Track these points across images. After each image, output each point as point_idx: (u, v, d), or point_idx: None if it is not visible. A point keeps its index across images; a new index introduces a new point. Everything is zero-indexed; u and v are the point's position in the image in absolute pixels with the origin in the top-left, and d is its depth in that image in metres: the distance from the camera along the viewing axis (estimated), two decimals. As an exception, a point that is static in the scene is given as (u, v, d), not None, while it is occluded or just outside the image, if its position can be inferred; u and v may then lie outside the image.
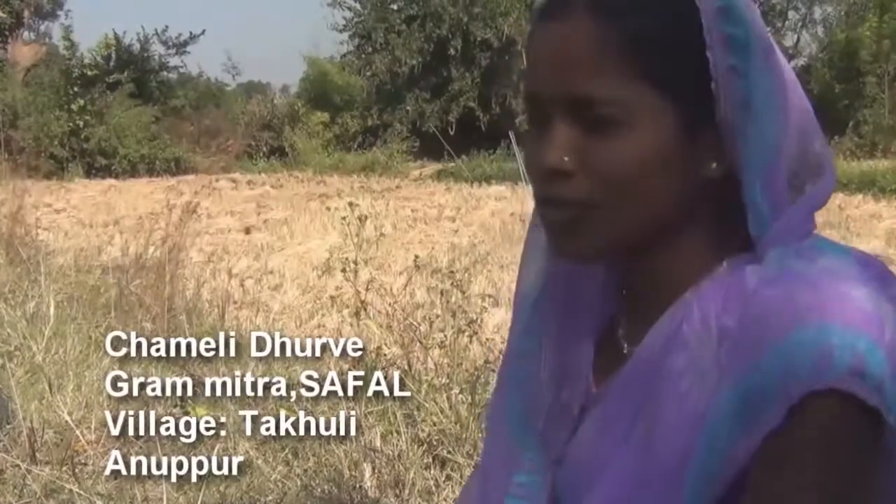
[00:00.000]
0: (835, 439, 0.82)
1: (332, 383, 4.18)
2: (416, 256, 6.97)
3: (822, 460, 0.82)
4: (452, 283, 4.50)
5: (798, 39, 32.01)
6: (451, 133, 27.15)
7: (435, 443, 3.65)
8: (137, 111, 28.92)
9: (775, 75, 0.91)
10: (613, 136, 0.88)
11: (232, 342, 6.11)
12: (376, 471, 3.46)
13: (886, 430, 0.82)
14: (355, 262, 4.45)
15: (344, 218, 4.65)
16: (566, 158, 0.89)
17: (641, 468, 0.88)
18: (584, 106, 0.89)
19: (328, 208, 14.25)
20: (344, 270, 4.49)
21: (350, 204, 4.71)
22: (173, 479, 3.70)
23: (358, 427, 3.71)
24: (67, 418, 4.03)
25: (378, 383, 4.20)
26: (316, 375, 4.71)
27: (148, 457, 3.87)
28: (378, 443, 3.56)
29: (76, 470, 3.78)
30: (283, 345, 6.20)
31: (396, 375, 4.25)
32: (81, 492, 3.54)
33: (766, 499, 0.83)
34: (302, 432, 3.96)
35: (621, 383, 0.93)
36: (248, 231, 12.88)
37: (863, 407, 0.81)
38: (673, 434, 0.86)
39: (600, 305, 1.01)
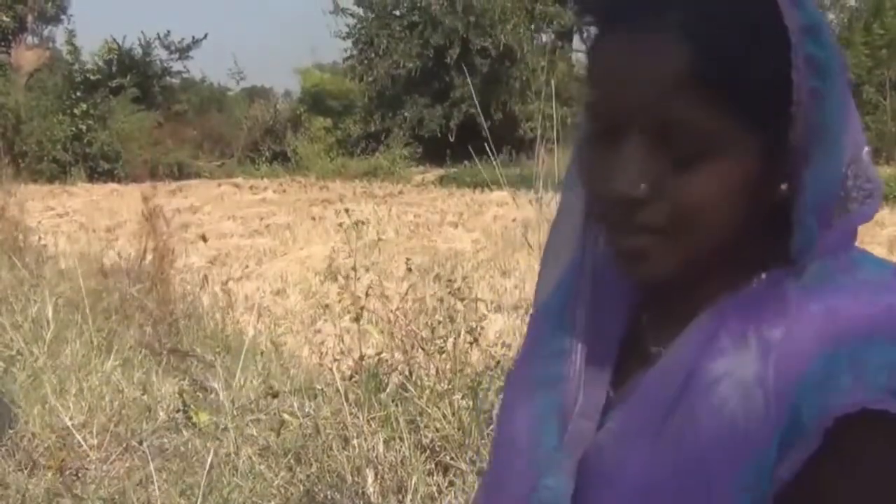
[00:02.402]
0: (870, 464, 0.80)
1: (335, 389, 4.18)
2: (408, 259, 6.97)
3: (855, 489, 0.80)
4: (450, 292, 4.49)
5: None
6: (452, 139, 27.18)
7: (437, 449, 3.64)
8: (140, 116, 28.96)
9: (849, 100, 0.89)
10: (698, 167, 0.85)
11: (233, 347, 6.12)
12: (379, 477, 3.45)
13: None
14: (354, 269, 4.45)
15: (340, 224, 4.64)
16: (643, 187, 0.86)
17: (668, 464, 0.87)
18: (669, 132, 0.85)
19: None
20: (347, 277, 4.48)
21: (346, 210, 4.71)
22: (176, 484, 3.70)
23: (360, 433, 3.70)
24: (69, 423, 4.03)
25: (380, 389, 4.20)
26: (318, 380, 4.71)
27: (150, 462, 3.87)
28: (380, 449, 3.55)
29: (78, 475, 3.78)
30: (283, 350, 6.20)
31: (398, 381, 4.26)
32: (83, 496, 3.54)
33: None
34: (304, 437, 3.96)
35: (650, 382, 0.92)
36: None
37: None
38: (709, 437, 0.85)
39: (626, 306, 0.99)
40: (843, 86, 0.88)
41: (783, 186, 0.88)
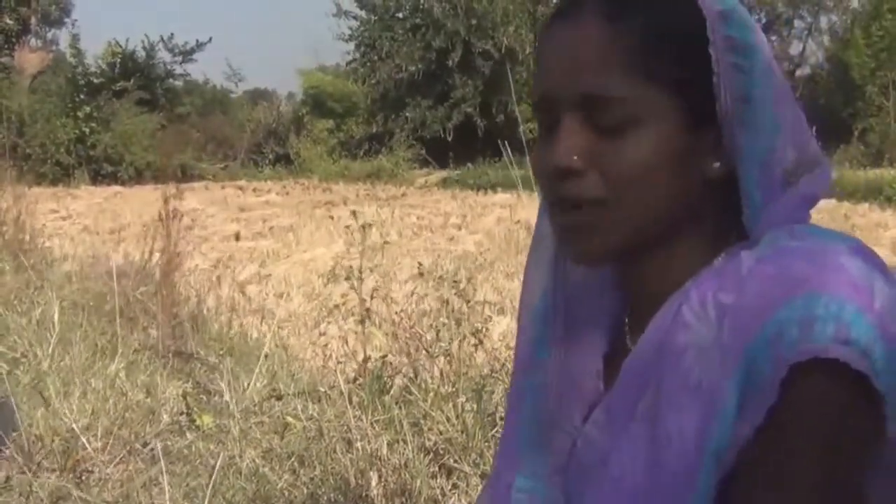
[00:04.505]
0: (824, 408, 0.83)
1: (339, 391, 4.18)
2: (420, 264, 6.97)
3: (812, 431, 0.83)
4: (455, 293, 4.49)
5: (804, 48, 31.99)
6: (453, 140, 27.19)
7: (441, 451, 3.64)
8: (143, 118, 28.99)
9: (775, 77, 0.95)
10: (623, 136, 0.91)
11: (237, 350, 6.12)
12: (382, 479, 3.45)
13: (877, 396, 0.83)
14: (360, 271, 4.45)
15: (348, 226, 4.64)
16: (576, 158, 0.92)
17: (647, 440, 0.90)
18: (593, 105, 0.91)
19: (330, 217, 14.29)
20: (348, 278, 4.48)
21: (354, 212, 4.71)
22: (179, 486, 3.70)
23: (364, 435, 3.71)
24: (73, 426, 4.03)
25: (383, 391, 4.20)
26: (322, 383, 4.71)
27: (155, 464, 3.87)
28: (384, 451, 3.55)
29: (82, 477, 3.78)
30: (288, 353, 6.20)
31: (402, 383, 4.26)
32: (88, 499, 3.54)
33: (762, 472, 0.85)
34: (308, 440, 3.96)
35: (625, 372, 0.96)
36: (237, 237, 12.82)
37: (850, 373, 0.82)
38: (678, 409, 0.88)
39: (608, 317, 1.04)
40: (767, 66, 0.94)
41: (716, 165, 0.93)
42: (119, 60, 30.53)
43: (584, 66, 0.91)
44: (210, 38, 35.46)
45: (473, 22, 28.36)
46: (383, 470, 3.49)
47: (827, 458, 0.83)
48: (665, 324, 0.92)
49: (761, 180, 0.93)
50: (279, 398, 4.52)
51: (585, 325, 1.04)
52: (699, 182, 0.94)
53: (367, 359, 4.21)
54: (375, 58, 30.03)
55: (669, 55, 0.91)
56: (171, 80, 32.55)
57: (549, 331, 1.07)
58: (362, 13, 30.97)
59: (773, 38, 30.16)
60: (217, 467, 3.64)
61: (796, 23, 32.07)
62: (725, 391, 0.85)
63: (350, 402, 3.88)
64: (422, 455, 3.59)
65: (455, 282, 4.62)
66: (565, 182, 0.93)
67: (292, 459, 3.79)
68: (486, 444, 3.58)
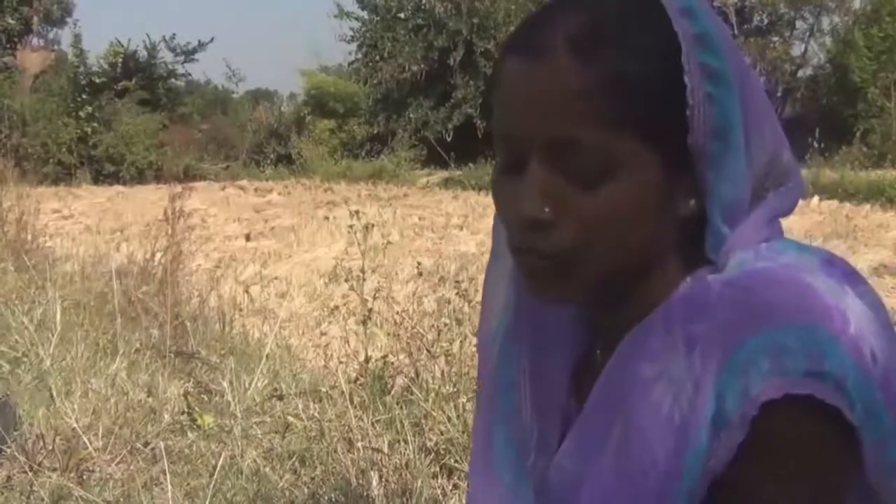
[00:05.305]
0: (799, 445, 0.81)
1: (340, 391, 4.18)
2: (419, 264, 6.97)
3: (788, 468, 0.81)
4: (457, 293, 4.50)
5: (805, 49, 31.96)
6: (452, 140, 27.15)
7: (442, 452, 3.65)
8: (145, 118, 28.99)
9: (751, 102, 0.91)
10: (596, 185, 0.86)
11: (239, 350, 6.12)
12: (383, 479, 3.45)
13: (852, 427, 0.81)
14: (362, 271, 4.45)
15: (351, 226, 4.64)
16: (546, 209, 0.87)
17: (618, 473, 0.88)
18: (564, 151, 0.86)
19: (326, 218, 14.31)
20: (348, 280, 4.48)
21: (356, 212, 4.72)
22: (181, 486, 3.70)
23: (365, 435, 3.71)
24: (75, 425, 4.04)
25: (385, 391, 4.20)
26: (323, 383, 4.71)
27: (156, 463, 3.87)
28: (385, 451, 3.56)
29: (83, 477, 3.78)
30: (289, 352, 6.20)
31: (403, 383, 4.26)
32: (89, 498, 3.54)
33: None
34: (309, 440, 3.97)
35: (594, 399, 0.93)
36: (248, 238, 12.84)
37: (824, 407, 0.80)
38: (650, 442, 0.86)
39: (575, 335, 1.01)
40: (743, 91, 0.89)
41: (692, 202, 0.90)
42: (121, 60, 30.49)
43: (555, 112, 0.85)
44: (212, 38, 35.51)
45: (475, 21, 28.34)
46: (384, 470, 3.49)
47: (805, 493, 0.82)
48: (630, 354, 0.90)
49: (727, 216, 0.89)
50: (280, 398, 4.52)
51: (553, 341, 1.01)
52: (674, 220, 0.90)
53: (368, 359, 4.21)
54: (377, 58, 30.00)
55: (645, 100, 0.86)
56: (172, 80, 32.52)
57: (514, 348, 1.05)
58: (364, 14, 30.96)
59: (775, 39, 30.12)
60: (218, 467, 3.64)
61: (798, 24, 32.02)
62: (700, 424, 0.83)
63: (351, 402, 3.89)
64: (423, 455, 3.59)
65: (457, 282, 4.63)
66: (534, 231, 0.88)
67: (293, 459, 3.79)
68: (487, 444, 3.58)
